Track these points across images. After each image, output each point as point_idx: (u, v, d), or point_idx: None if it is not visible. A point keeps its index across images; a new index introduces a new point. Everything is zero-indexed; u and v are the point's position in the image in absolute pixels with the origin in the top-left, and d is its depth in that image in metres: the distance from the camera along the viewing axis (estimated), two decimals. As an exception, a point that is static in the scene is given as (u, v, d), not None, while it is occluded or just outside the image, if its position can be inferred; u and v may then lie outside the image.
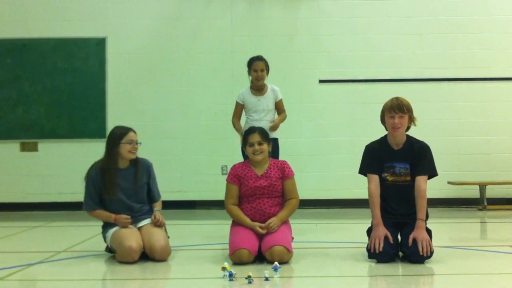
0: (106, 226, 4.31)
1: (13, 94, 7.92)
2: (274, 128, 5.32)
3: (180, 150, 7.93)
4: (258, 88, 5.47)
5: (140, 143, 4.35)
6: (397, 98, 4.12)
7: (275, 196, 4.20)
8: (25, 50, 7.94)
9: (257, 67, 5.37)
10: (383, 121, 4.18)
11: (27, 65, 7.92)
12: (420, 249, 3.87)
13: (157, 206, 4.45)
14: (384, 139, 4.24)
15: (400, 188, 4.12)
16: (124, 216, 4.21)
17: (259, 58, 5.43)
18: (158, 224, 4.28)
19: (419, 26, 7.97)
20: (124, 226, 4.19)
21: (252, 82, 5.50)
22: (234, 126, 5.53)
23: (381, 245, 3.93)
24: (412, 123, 4.16)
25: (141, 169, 4.37)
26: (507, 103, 7.93)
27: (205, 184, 7.80)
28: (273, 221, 4.07)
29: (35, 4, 7.98)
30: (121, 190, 4.27)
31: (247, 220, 4.13)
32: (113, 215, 4.23)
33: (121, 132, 4.29)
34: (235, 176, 4.24)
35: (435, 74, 7.93)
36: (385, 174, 4.15)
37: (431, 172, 4.12)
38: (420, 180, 4.06)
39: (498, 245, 4.81)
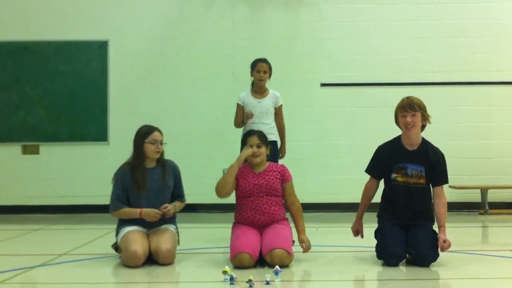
0: (123, 223, 4.24)
1: (14, 97, 7.92)
2: (283, 155, 5.68)
3: (181, 153, 7.86)
4: (259, 90, 5.49)
5: (165, 143, 4.35)
6: (408, 97, 4.13)
7: (273, 195, 4.23)
8: (27, 52, 7.95)
9: (260, 68, 5.44)
10: (397, 121, 4.17)
11: (28, 68, 7.93)
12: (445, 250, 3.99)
13: (177, 204, 4.36)
14: (397, 139, 4.20)
15: (409, 190, 4.09)
16: (154, 210, 4.12)
17: (263, 60, 5.51)
18: (165, 211, 4.17)
19: (420, 30, 7.97)
20: (152, 220, 4.12)
21: (253, 84, 5.53)
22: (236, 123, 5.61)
23: (362, 235, 4.29)
24: (427, 121, 4.13)
25: (168, 170, 4.35)
26: (509, 107, 7.92)
27: (205, 188, 7.69)
28: (306, 240, 4.11)
29: (37, 6, 7.99)
30: (149, 190, 4.22)
31: (235, 164, 4.22)
32: (138, 210, 4.15)
33: (146, 131, 4.31)
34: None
35: (436, 78, 7.93)
36: (395, 175, 4.10)
37: (446, 182, 4.22)
38: (440, 191, 4.14)
39: (499, 250, 4.81)
